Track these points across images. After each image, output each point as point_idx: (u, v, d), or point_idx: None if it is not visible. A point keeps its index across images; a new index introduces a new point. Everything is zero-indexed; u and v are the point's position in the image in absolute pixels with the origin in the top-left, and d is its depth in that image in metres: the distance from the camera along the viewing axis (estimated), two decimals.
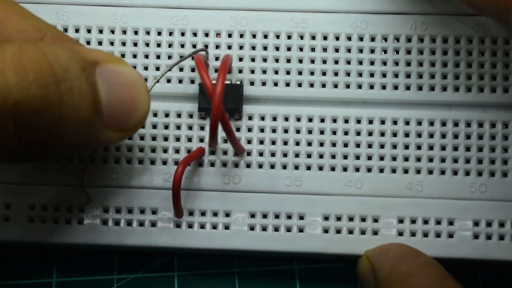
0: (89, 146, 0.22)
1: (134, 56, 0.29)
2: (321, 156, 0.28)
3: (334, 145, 0.28)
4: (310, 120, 0.29)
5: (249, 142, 0.28)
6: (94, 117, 0.21)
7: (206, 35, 0.29)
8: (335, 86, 0.29)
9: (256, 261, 0.30)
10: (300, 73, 0.29)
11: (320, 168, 0.28)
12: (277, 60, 0.29)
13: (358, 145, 0.28)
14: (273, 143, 0.28)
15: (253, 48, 0.29)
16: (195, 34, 0.29)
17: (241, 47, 0.29)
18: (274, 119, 0.29)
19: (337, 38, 0.29)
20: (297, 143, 0.28)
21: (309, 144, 0.28)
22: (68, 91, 0.19)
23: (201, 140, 0.29)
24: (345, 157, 0.28)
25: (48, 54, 0.19)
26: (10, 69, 0.18)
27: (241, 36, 0.29)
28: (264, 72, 0.29)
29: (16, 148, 0.19)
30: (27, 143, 0.19)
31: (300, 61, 0.29)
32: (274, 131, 0.29)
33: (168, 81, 0.29)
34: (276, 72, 0.29)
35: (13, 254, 0.30)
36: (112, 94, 0.21)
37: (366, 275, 0.27)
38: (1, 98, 0.18)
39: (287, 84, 0.29)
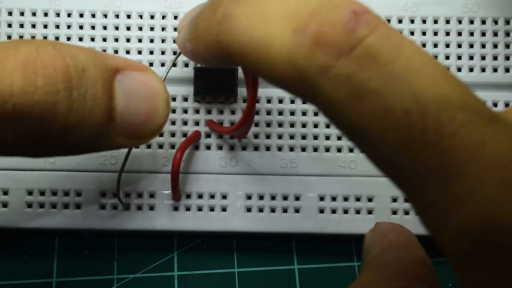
0: (99, 150, 0.21)
1: (128, 40, 0.29)
2: (315, 138, 0.29)
3: (328, 126, 0.29)
4: (304, 102, 0.29)
5: None
6: (106, 124, 0.20)
7: None
8: None
9: (255, 260, 0.30)
10: None
11: (315, 150, 0.29)
12: None
13: None
14: (268, 125, 0.29)
15: None
16: None
17: None
18: (269, 101, 0.29)
19: None
20: (292, 125, 0.29)
21: (304, 125, 0.29)
22: (80, 98, 0.18)
23: (197, 123, 0.29)
24: (339, 138, 0.29)
25: (66, 57, 0.18)
26: (19, 72, 0.17)
27: None
28: None
29: (16, 149, 0.18)
30: (27, 146, 0.18)
31: None
32: (268, 113, 0.29)
33: (162, 64, 0.29)
34: None
35: (13, 254, 0.30)
36: (129, 103, 0.21)
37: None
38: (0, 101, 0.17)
39: None
